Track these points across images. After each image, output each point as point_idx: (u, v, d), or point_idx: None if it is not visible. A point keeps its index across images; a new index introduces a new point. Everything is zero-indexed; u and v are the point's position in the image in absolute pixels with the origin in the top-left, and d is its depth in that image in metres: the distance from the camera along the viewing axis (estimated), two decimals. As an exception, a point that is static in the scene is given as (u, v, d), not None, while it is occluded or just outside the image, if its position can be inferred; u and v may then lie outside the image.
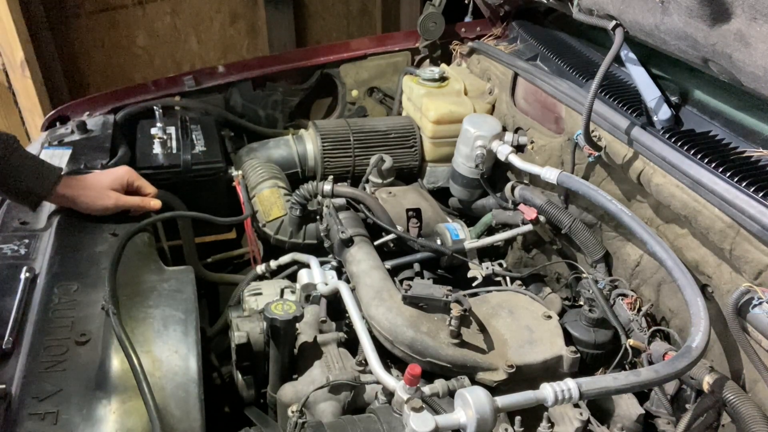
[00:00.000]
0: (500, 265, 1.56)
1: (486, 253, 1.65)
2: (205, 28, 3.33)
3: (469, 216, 1.88)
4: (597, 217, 1.52)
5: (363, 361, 1.18)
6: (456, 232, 1.58)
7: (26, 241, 1.32)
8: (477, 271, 1.50)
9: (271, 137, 2.06)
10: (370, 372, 1.14)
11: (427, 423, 0.83)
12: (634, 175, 1.34)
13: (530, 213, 1.54)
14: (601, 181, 1.49)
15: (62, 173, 1.36)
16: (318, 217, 1.63)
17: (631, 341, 1.23)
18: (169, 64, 3.32)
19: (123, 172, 1.46)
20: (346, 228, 1.45)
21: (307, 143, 1.96)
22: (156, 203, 1.49)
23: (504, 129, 1.78)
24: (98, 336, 1.08)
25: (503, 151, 1.68)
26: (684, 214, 1.21)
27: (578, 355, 1.18)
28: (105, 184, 1.41)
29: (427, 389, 1.01)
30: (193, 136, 1.85)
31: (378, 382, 1.11)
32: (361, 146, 1.94)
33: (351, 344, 1.28)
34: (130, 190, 1.47)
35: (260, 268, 1.67)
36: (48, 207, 1.41)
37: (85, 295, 1.17)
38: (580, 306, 1.36)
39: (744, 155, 1.18)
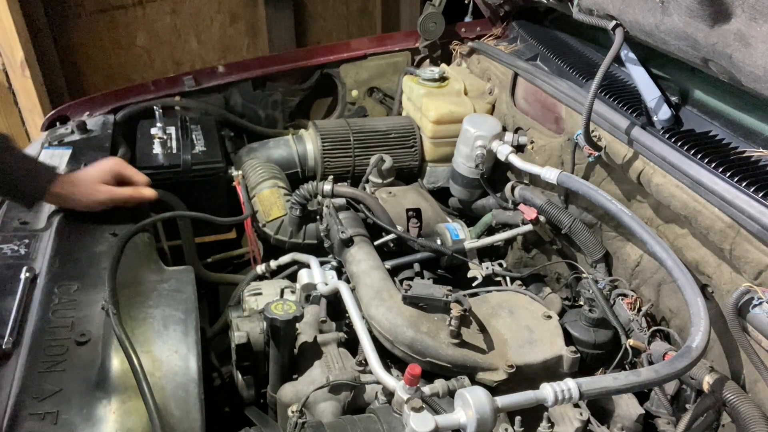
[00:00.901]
0: (500, 265, 1.56)
1: (486, 253, 1.64)
2: (205, 28, 3.33)
3: (469, 216, 1.88)
4: (597, 217, 1.52)
5: (363, 361, 1.18)
6: (456, 232, 1.58)
7: (26, 241, 1.32)
8: (477, 271, 1.50)
9: (271, 137, 2.06)
10: (370, 372, 1.14)
11: (427, 423, 0.83)
12: (634, 175, 1.34)
13: (530, 213, 1.54)
14: (601, 181, 1.49)
15: (57, 172, 1.35)
16: (318, 217, 1.63)
17: (631, 341, 1.23)
18: (169, 64, 3.32)
19: (111, 164, 1.44)
20: (346, 228, 1.45)
21: (307, 143, 1.96)
22: (149, 192, 1.47)
23: (504, 129, 1.78)
24: (98, 336, 1.08)
25: (503, 151, 1.68)
26: (684, 214, 1.21)
27: (578, 355, 1.18)
28: (95, 179, 1.40)
29: (427, 389, 1.01)
30: (193, 136, 1.85)
31: (378, 382, 1.11)
32: (361, 146, 1.94)
33: (351, 344, 1.28)
34: (121, 181, 1.45)
35: (260, 268, 1.67)
36: (48, 207, 1.41)
37: (85, 295, 1.17)
38: (580, 306, 1.36)
39: (744, 155, 1.18)
